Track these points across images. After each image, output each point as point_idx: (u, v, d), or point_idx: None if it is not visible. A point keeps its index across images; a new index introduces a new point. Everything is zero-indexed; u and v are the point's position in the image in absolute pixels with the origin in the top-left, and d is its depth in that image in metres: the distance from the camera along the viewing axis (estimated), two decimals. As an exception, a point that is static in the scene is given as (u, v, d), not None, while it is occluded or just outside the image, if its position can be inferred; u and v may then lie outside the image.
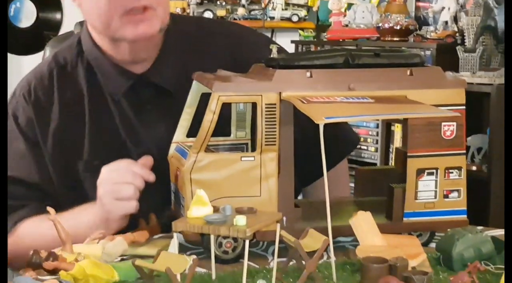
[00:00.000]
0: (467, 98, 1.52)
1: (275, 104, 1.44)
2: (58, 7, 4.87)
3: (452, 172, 1.51)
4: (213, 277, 1.34)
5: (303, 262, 1.29)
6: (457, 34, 3.96)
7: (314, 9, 4.86)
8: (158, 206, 1.66)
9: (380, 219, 1.49)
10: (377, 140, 4.05)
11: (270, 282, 1.26)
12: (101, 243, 1.45)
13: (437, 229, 1.53)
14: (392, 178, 1.54)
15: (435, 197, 1.50)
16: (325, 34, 4.46)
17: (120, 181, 1.60)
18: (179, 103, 1.64)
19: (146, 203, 1.62)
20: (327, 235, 1.30)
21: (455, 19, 4.00)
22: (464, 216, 1.53)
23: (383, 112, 1.45)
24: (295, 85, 1.46)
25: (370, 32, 4.19)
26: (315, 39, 4.85)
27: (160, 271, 1.21)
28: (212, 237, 1.35)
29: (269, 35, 4.66)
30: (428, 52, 3.82)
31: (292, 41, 4.61)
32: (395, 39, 4.02)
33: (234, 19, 4.77)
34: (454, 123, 1.50)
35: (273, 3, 4.87)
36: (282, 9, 4.87)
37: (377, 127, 4.03)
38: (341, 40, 4.27)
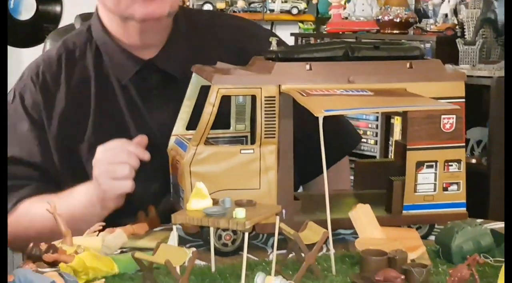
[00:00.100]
0: (466, 91, 1.52)
1: (274, 96, 1.44)
2: (58, -1, 4.87)
3: (451, 165, 1.51)
4: (213, 269, 1.34)
5: (303, 254, 1.29)
6: (457, 27, 3.96)
7: (314, 1, 4.85)
8: (160, 191, 1.67)
9: (380, 212, 1.49)
10: (376, 133, 4.05)
11: (270, 275, 1.27)
12: (100, 235, 1.45)
13: (437, 221, 1.53)
14: (391, 170, 1.54)
15: (435, 190, 1.51)
16: (325, 26, 4.45)
17: (115, 160, 1.62)
18: (185, 90, 1.65)
19: (148, 188, 1.63)
20: (326, 227, 1.31)
21: (455, 12, 3.99)
22: (464, 209, 1.53)
23: (382, 104, 1.45)
24: (295, 77, 1.46)
25: (370, 25, 4.19)
26: (315, 32, 4.84)
27: (159, 263, 1.22)
28: (211, 230, 1.35)
29: (268, 27, 4.65)
30: (428, 45, 3.82)
31: (292, 34, 4.61)
32: (395, 31, 4.01)
33: (234, 11, 4.77)
34: (454, 116, 1.50)
35: (272, -5, 4.87)
36: (282, 2, 4.87)
37: (377, 119, 4.03)
38: (340, 32, 4.27)
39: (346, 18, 4.30)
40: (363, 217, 1.40)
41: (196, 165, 1.44)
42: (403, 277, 1.20)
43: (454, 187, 1.52)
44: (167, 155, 1.62)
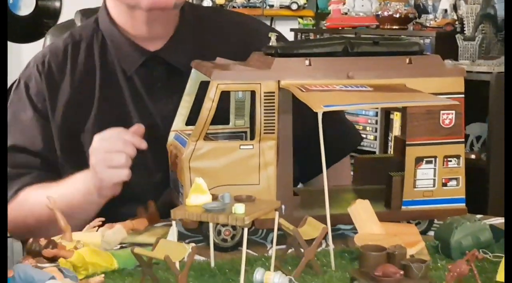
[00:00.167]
0: (466, 87, 1.52)
1: (274, 92, 1.44)
2: (57, -5, 4.86)
3: (450, 161, 1.51)
4: (212, 265, 1.34)
5: (302, 250, 1.30)
6: (457, 22, 3.96)
7: (313, -3, 4.85)
8: (162, 182, 1.69)
9: (379, 207, 1.49)
10: (376, 129, 4.05)
11: (269, 270, 1.27)
12: (100, 231, 1.45)
13: (436, 217, 1.53)
14: (391, 166, 1.54)
15: (434, 185, 1.51)
16: (324, 22, 4.45)
17: (112, 149, 1.62)
18: None
19: (151, 178, 1.63)
20: (325, 223, 1.31)
21: (455, 7, 3.99)
22: (463, 205, 1.53)
23: (382, 100, 1.45)
24: (294, 73, 1.45)
25: (369, 20, 4.19)
26: (314, 27, 4.84)
27: (159, 259, 1.22)
28: (211, 225, 1.35)
29: (268, 23, 4.65)
30: (427, 40, 3.82)
31: (291, 29, 4.61)
32: (394, 27, 4.01)
33: (233, 7, 4.77)
34: (453, 112, 1.50)
35: (272, -9, 4.87)
36: (281, -3, 4.87)
37: (376, 115, 4.03)
38: (340, 28, 4.27)
39: (346, 13, 4.30)
40: (362, 212, 1.40)
41: (195, 160, 1.44)
42: (402, 272, 1.20)
43: (453, 182, 1.52)
44: None
